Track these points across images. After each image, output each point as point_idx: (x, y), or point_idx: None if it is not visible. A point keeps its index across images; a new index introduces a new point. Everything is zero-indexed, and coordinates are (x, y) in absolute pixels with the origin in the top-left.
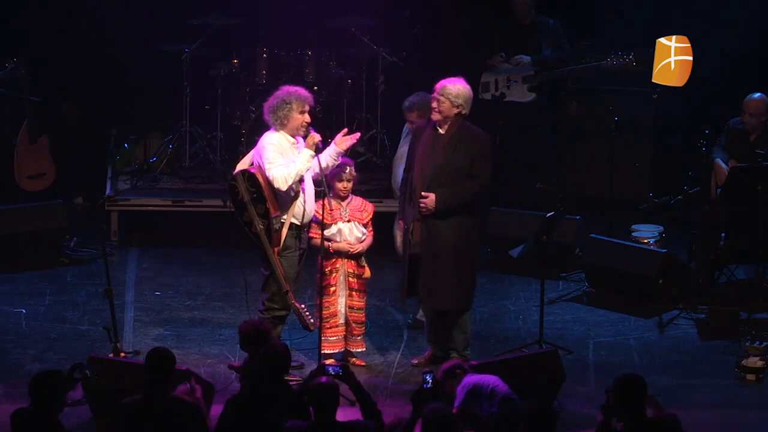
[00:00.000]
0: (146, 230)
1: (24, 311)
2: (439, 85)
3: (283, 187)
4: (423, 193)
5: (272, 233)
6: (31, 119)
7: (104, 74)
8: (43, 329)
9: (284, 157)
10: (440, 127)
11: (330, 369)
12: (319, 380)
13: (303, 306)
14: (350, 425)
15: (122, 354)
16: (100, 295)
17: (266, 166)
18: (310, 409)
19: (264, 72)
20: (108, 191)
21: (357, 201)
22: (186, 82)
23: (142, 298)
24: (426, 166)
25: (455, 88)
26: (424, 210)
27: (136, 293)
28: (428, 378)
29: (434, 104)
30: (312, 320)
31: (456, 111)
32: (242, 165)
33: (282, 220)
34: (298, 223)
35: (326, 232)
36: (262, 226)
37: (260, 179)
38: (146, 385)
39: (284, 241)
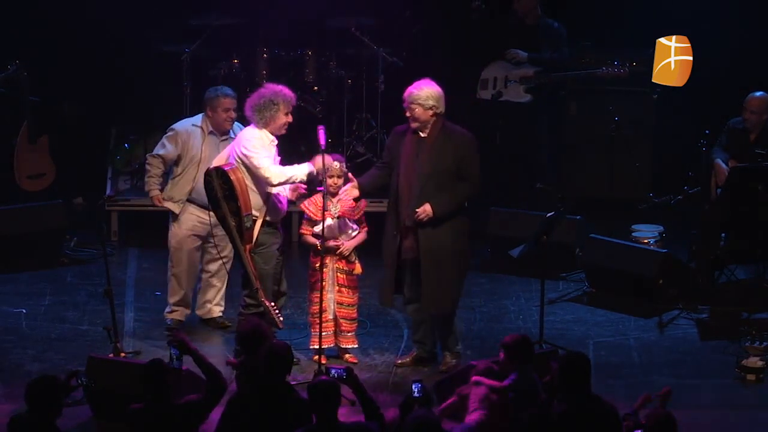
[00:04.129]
0: (146, 230)
1: (24, 311)
2: (406, 94)
3: (274, 182)
4: (418, 209)
5: (244, 231)
6: (31, 119)
7: (104, 74)
8: (43, 329)
9: (265, 151)
10: (421, 132)
11: (334, 371)
12: (319, 379)
13: (273, 304)
14: (352, 426)
15: (122, 354)
16: (100, 295)
17: (253, 154)
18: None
19: (264, 72)
20: (108, 191)
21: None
22: (186, 82)
23: (142, 298)
24: (411, 173)
25: (422, 91)
26: (424, 219)
27: (136, 293)
28: (415, 388)
29: (408, 114)
30: (281, 318)
31: (431, 113)
32: (219, 161)
33: (254, 218)
34: (271, 220)
35: (315, 228)
36: (234, 223)
37: (232, 177)
38: (147, 395)
39: (257, 237)
